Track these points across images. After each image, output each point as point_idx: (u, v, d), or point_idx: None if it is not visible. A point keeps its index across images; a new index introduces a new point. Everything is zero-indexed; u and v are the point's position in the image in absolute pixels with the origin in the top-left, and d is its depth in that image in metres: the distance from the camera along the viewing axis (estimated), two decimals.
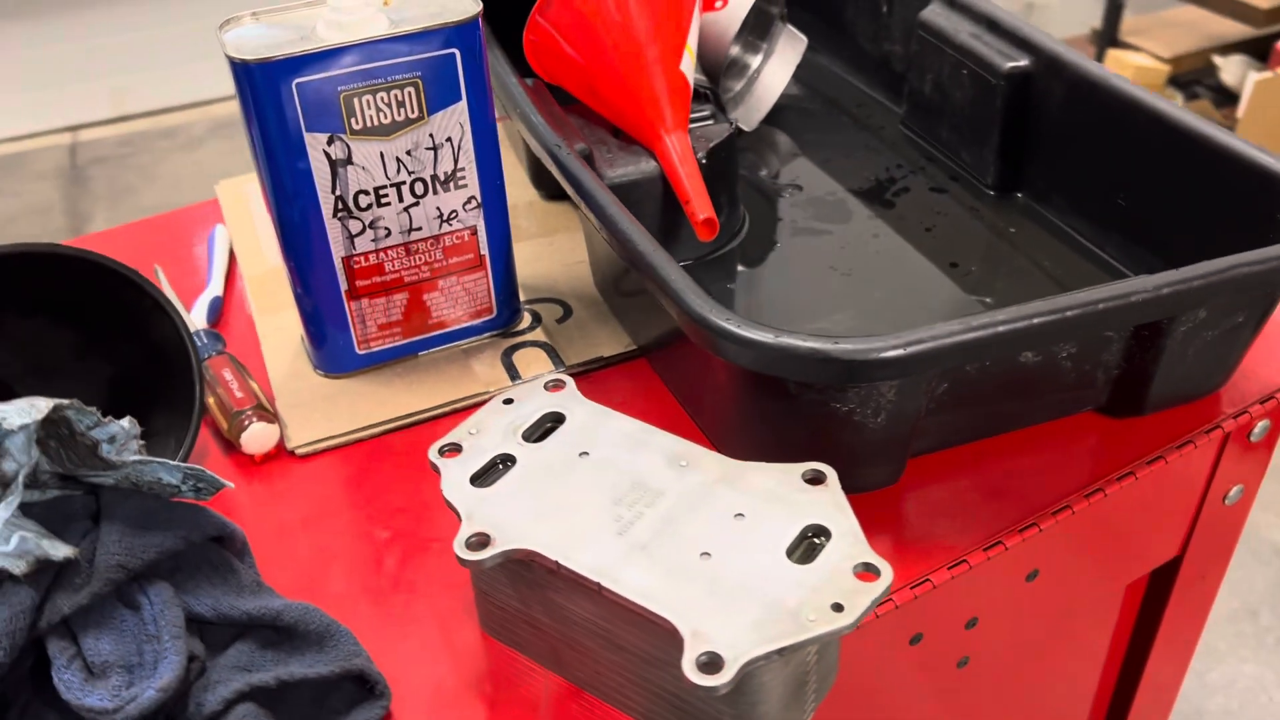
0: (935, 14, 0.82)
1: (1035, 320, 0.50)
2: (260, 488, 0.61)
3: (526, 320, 0.71)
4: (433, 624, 0.53)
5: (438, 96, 0.60)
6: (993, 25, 0.78)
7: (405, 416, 0.65)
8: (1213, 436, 0.62)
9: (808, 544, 0.45)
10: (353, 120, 0.59)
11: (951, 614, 0.58)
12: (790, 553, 0.44)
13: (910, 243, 0.75)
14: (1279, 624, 1.60)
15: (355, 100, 0.58)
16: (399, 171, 0.61)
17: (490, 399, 0.54)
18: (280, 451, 0.63)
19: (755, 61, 0.90)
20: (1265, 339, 0.65)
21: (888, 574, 0.43)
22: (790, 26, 0.89)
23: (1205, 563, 0.73)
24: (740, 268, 0.74)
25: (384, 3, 0.61)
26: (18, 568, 0.45)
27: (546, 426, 0.52)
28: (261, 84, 0.56)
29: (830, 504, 0.46)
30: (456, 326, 0.68)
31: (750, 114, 0.89)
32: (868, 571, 0.43)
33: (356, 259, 0.63)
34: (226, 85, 0.57)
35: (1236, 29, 2.92)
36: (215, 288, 0.75)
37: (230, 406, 0.62)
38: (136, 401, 0.60)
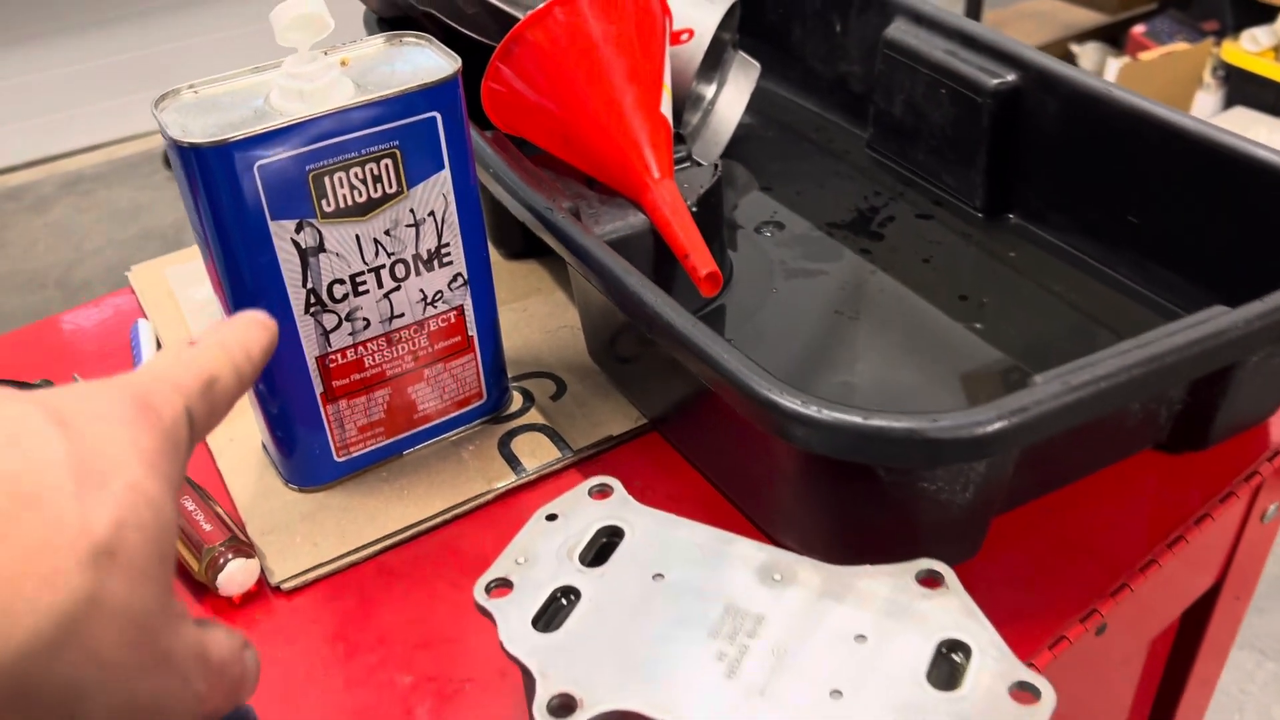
0: (902, 31, 0.78)
1: (1138, 373, 0.45)
2: (246, 635, 0.52)
3: (518, 401, 0.64)
4: None
5: (418, 166, 0.52)
6: (968, 40, 0.74)
7: (401, 530, 0.56)
8: (1276, 464, 0.58)
9: (947, 664, 0.39)
10: (324, 202, 0.51)
11: None
12: (930, 677, 0.38)
13: (912, 277, 0.71)
14: None
15: (326, 179, 0.50)
16: (377, 254, 0.53)
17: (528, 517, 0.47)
18: (261, 588, 0.54)
19: (709, 92, 0.84)
20: None
21: (1049, 694, 0.37)
22: (742, 53, 0.84)
23: (1240, 585, 0.71)
24: (738, 320, 0.68)
25: (341, 63, 0.53)
26: None
27: (602, 543, 0.45)
28: (217, 170, 0.48)
29: (959, 611, 0.40)
30: (444, 418, 0.61)
31: (708, 148, 0.84)
32: (1025, 692, 0.37)
33: (332, 357, 0.55)
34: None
35: (1091, 17, 3.03)
36: None
37: (199, 542, 0.53)
38: None
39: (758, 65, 0.84)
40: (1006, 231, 0.74)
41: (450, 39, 0.68)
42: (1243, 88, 2.63)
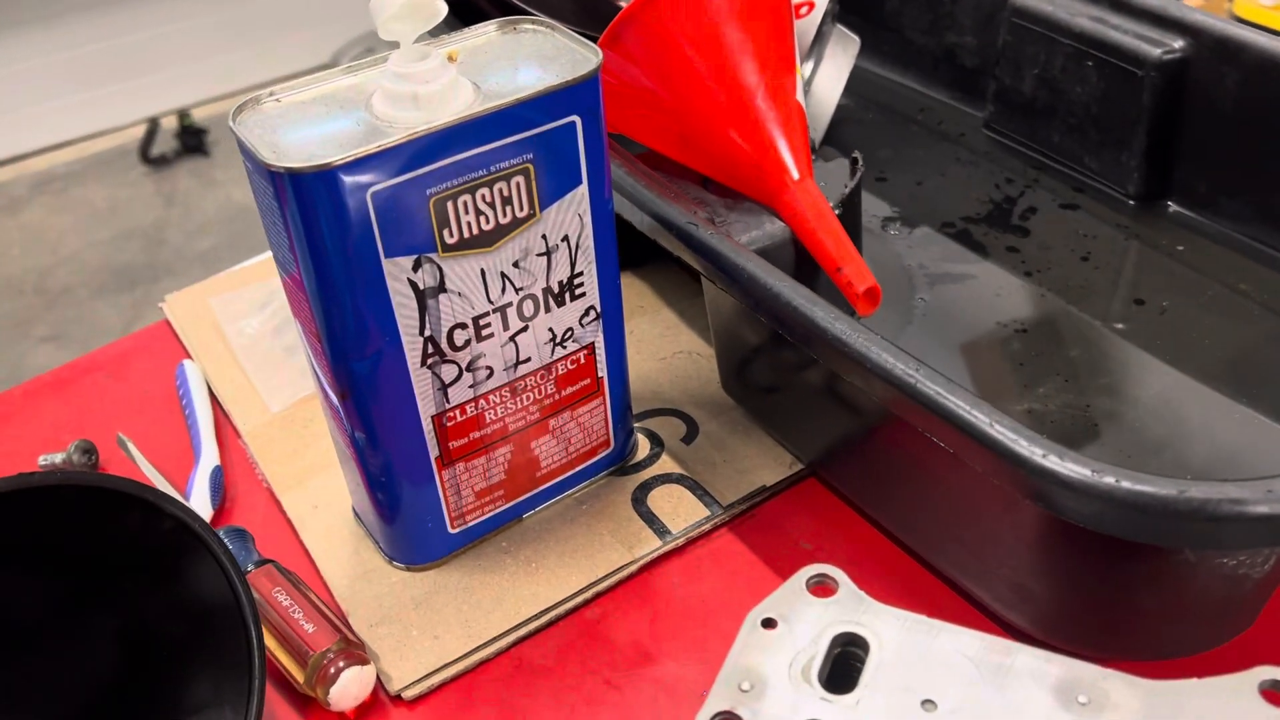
0: None
1: None
2: None
3: (644, 446, 0.55)
4: None
5: (553, 183, 0.43)
6: (1120, 5, 0.65)
7: (537, 615, 0.47)
8: None
9: None
10: (446, 232, 0.41)
11: None
12: None
13: (1074, 279, 0.62)
14: None
15: (450, 204, 0.41)
16: (504, 291, 0.44)
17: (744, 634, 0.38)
18: (377, 697, 0.45)
19: (806, 70, 0.75)
20: None
21: None
22: (840, 25, 0.75)
23: None
24: (886, 338, 0.59)
25: (449, 57, 0.43)
26: None
27: (836, 653, 0.36)
28: (321, 200, 0.38)
29: None
30: (568, 473, 0.51)
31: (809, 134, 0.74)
32: None
33: (450, 414, 0.45)
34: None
35: None
36: (209, 456, 0.55)
37: (302, 647, 0.44)
38: (162, 660, 0.41)
39: (857, 39, 0.74)
40: (1167, 221, 0.65)
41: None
42: None
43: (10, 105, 2.63)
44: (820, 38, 0.74)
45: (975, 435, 0.37)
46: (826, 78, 0.75)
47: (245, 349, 0.62)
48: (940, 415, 0.38)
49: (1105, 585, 0.40)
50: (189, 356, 0.63)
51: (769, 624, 0.37)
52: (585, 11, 0.67)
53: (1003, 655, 0.35)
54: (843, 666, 0.35)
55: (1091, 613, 0.41)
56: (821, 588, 0.38)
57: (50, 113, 2.66)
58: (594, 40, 0.49)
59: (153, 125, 2.67)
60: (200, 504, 0.53)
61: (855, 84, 0.81)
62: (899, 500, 0.47)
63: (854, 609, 0.37)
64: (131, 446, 0.56)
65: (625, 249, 0.64)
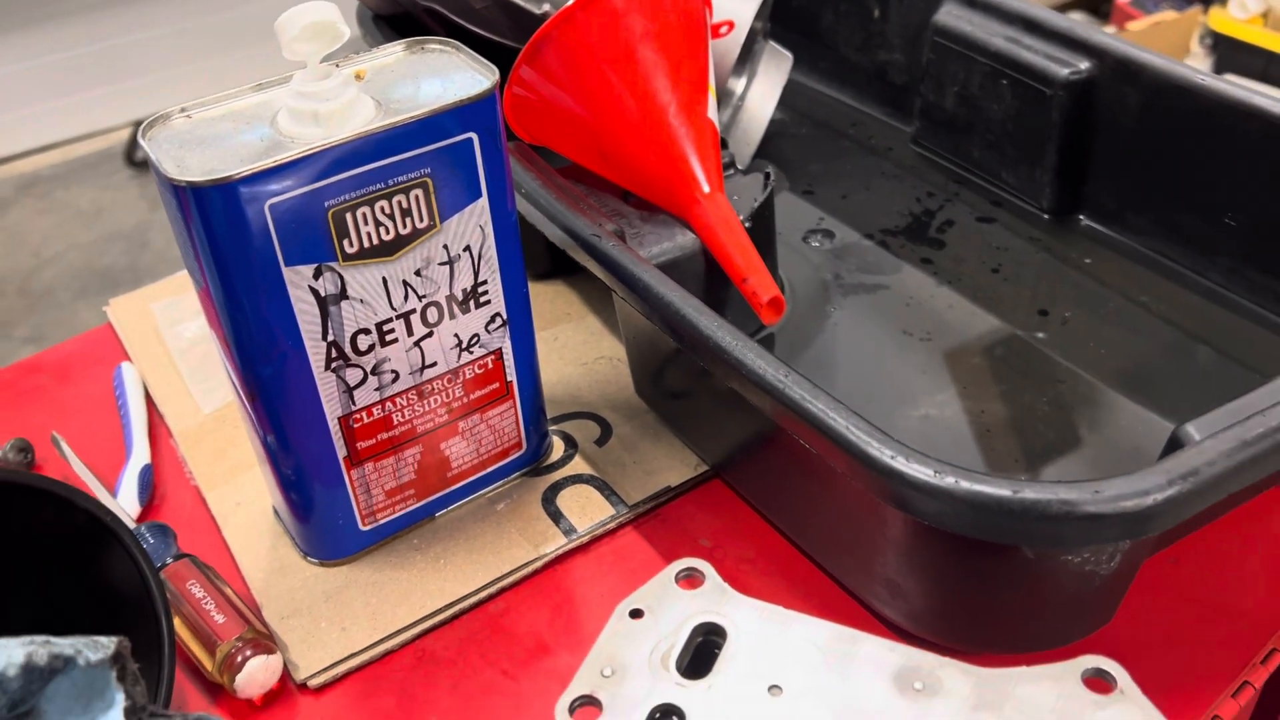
0: (954, 17, 0.71)
1: None
2: None
3: (559, 448, 0.57)
4: None
5: (452, 196, 0.45)
6: (1032, 26, 0.67)
7: (441, 609, 0.49)
8: None
9: None
10: (345, 243, 0.43)
11: None
12: None
13: (982, 289, 0.64)
14: None
15: (348, 216, 0.43)
16: (406, 298, 0.46)
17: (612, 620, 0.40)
18: (285, 685, 0.47)
19: (739, 86, 0.77)
20: None
21: None
22: (773, 42, 0.77)
23: None
24: (796, 346, 0.61)
25: (356, 76, 0.46)
26: None
27: (698, 642, 0.38)
28: (221, 212, 0.40)
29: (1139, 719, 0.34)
30: (480, 474, 0.53)
31: (739, 148, 0.77)
32: None
33: (357, 416, 0.47)
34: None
35: None
36: (140, 454, 0.57)
37: (212, 636, 0.46)
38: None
39: (790, 56, 0.77)
40: (1077, 235, 0.68)
41: (454, 37, 0.60)
42: (1231, 56, 2.58)
43: None
44: (753, 55, 0.77)
45: (833, 437, 0.39)
46: (759, 93, 0.77)
47: (182, 352, 0.64)
48: (804, 419, 0.41)
49: (966, 582, 0.42)
50: (129, 359, 0.65)
51: (636, 614, 0.39)
52: (519, 29, 0.69)
53: (849, 644, 0.37)
54: (703, 654, 0.38)
55: (957, 609, 0.43)
56: (690, 580, 0.40)
57: (36, 115, 2.68)
58: None
59: (138, 129, 2.68)
60: (128, 500, 0.55)
61: (792, 99, 0.84)
62: (788, 502, 0.50)
63: (717, 600, 0.39)
64: (65, 445, 0.58)
65: (556, 259, 0.67)
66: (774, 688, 0.36)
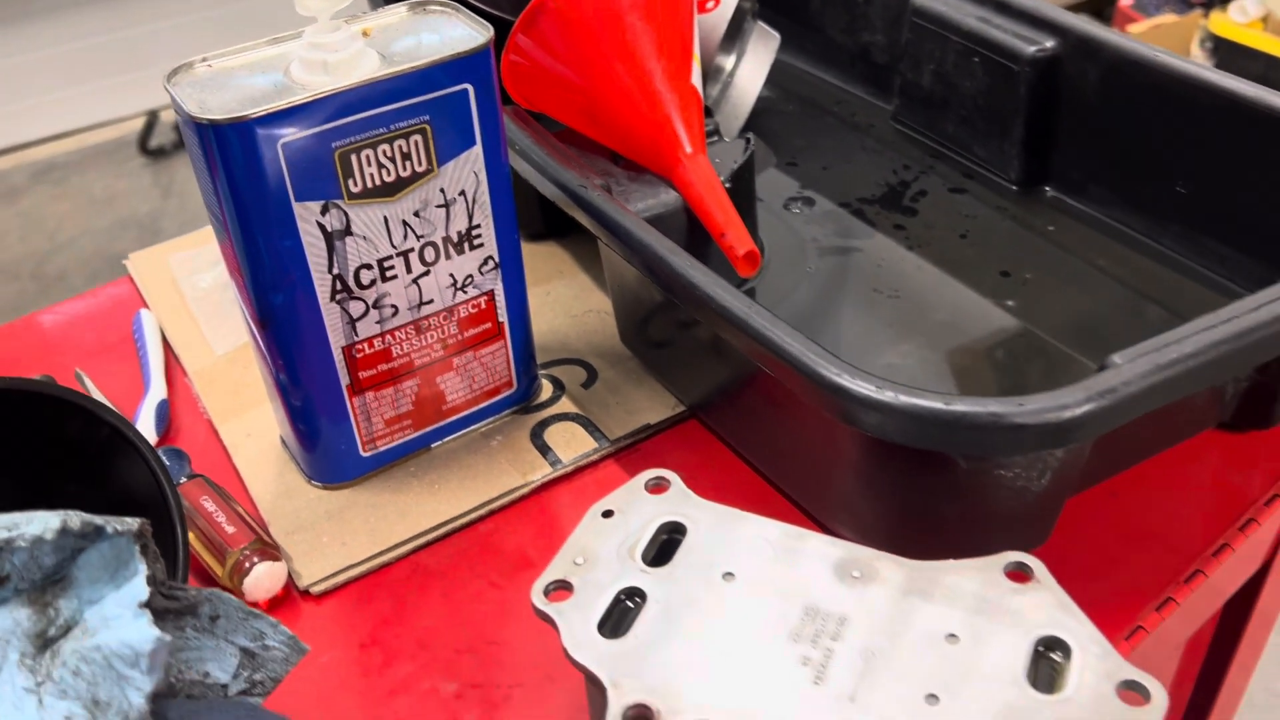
0: None
1: (1225, 350, 0.43)
2: None
3: (547, 389, 0.61)
4: None
5: (449, 143, 0.49)
6: (1002, 7, 0.71)
7: (435, 528, 0.54)
8: None
9: (1046, 664, 0.37)
10: (351, 182, 0.47)
11: None
12: (1030, 678, 0.36)
13: (949, 253, 0.68)
14: None
15: (353, 157, 0.47)
16: (406, 237, 0.50)
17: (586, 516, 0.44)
18: (289, 592, 0.52)
19: (729, 64, 0.81)
20: None
21: (1160, 695, 0.35)
22: (761, 23, 0.81)
23: None
24: (773, 301, 0.65)
25: (363, 33, 0.50)
26: None
27: (662, 540, 0.42)
28: (238, 149, 0.44)
29: (1054, 606, 0.38)
30: (473, 409, 0.58)
31: (728, 122, 0.81)
32: (1133, 692, 0.35)
33: (359, 346, 0.52)
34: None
35: None
36: (157, 390, 0.62)
37: (222, 545, 0.50)
38: None
39: (777, 35, 0.81)
40: (1043, 204, 0.72)
41: None
42: (1231, 59, 2.61)
43: (13, 96, 2.70)
44: (743, 34, 0.81)
45: (789, 360, 0.44)
46: (748, 71, 0.81)
47: (198, 300, 0.68)
48: (764, 345, 0.45)
49: (909, 495, 0.46)
50: (147, 307, 0.69)
51: (607, 514, 0.43)
52: (517, 3, 0.73)
53: (796, 540, 0.41)
54: (667, 549, 0.42)
55: (901, 523, 0.47)
56: (658, 488, 0.44)
57: (53, 103, 2.73)
58: None
59: (152, 117, 2.74)
60: (146, 429, 0.59)
61: (780, 78, 0.88)
62: (755, 433, 0.54)
63: (681, 503, 0.43)
64: (88, 380, 0.62)
65: (551, 221, 0.71)
66: (727, 574, 0.40)
